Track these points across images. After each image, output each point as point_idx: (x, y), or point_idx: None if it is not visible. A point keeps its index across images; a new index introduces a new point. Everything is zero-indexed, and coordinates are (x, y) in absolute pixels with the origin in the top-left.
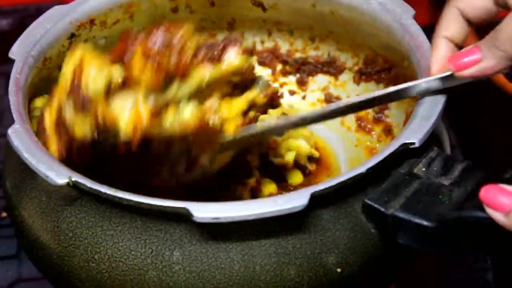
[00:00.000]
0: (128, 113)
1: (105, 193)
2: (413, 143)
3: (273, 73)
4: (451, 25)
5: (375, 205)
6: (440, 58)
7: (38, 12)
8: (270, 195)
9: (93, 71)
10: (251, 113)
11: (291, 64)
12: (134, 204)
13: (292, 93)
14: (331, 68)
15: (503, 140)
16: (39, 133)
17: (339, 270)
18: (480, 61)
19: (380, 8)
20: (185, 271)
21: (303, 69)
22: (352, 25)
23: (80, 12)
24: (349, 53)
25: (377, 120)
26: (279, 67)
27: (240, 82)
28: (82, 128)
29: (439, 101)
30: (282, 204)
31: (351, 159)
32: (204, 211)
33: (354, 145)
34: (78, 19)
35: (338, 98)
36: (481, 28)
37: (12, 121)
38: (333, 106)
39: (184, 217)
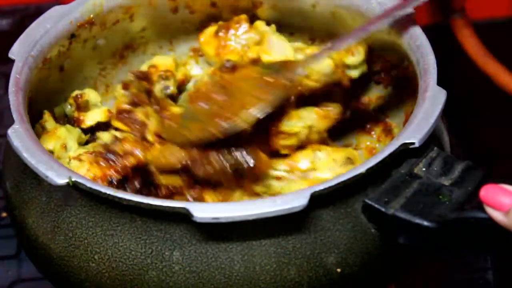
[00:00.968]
0: None
1: (105, 193)
2: (413, 143)
3: None
4: None
5: (376, 205)
6: None
7: (38, 12)
8: None
9: None
10: None
11: None
12: (134, 204)
13: None
14: None
15: (503, 140)
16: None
17: (339, 270)
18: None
19: (379, 8)
20: (185, 271)
21: None
22: (352, 26)
23: (80, 13)
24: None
25: (376, 120)
26: None
27: None
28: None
29: (440, 101)
30: (282, 204)
31: None
32: (204, 211)
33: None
34: (78, 19)
35: None
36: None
37: (12, 121)
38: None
39: (184, 217)
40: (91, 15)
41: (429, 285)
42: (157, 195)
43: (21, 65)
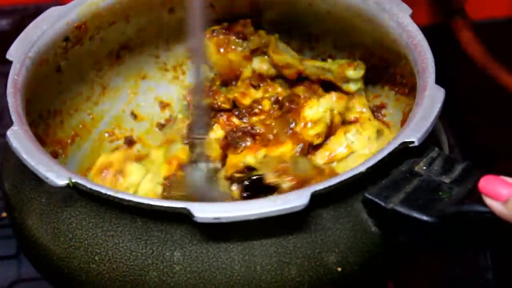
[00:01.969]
0: None
1: (105, 194)
2: (413, 142)
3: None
4: None
5: (375, 200)
6: None
7: (38, 12)
8: None
9: None
10: None
11: None
12: (135, 204)
13: None
14: None
15: (503, 140)
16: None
17: (339, 269)
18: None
19: (377, 7)
20: (186, 271)
21: None
22: (349, 24)
23: (76, 13)
24: (346, 52)
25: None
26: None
27: None
28: None
29: (438, 100)
30: (282, 204)
31: None
32: (205, 211)
33: None
34: (74, 20)
35: None
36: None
37: (11, 122)
38: None
39: (184, 217)
40: (88, 16)
41: (428, 283)
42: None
43: (18, 66)
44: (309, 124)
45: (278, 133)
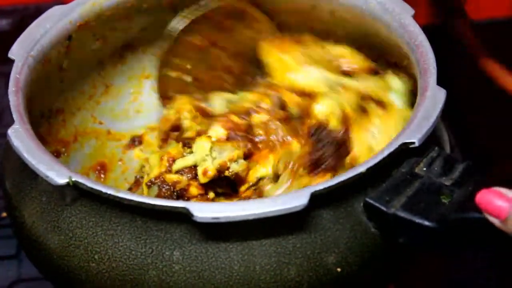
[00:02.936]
0: None
1: (105, 193)
2: (413, 143)
3: None
4: None
5: (377, 204)
6: None
7: (38, 12)
8: None
9: None
10: None
11: None
12: (135, 204)
13: None
14: None
15: (503, 140)
16: None
17: (339, 269)
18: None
19: (379, 7)
20: (185, 271)
21: None
22: (352, 25)
23: (79, 13)
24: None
25: None
26: None
27: None
28: None
29: (439, 100)
30: (282, 204)
31: None
32: (204, 211)
33: None
34: (77, 19)
35: None
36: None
37: (12, 121)
38: None
39: (184, 217)
40: (91, 15)
41: (428, 284)
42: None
43: (20, 65)
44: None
45: (284, 137)
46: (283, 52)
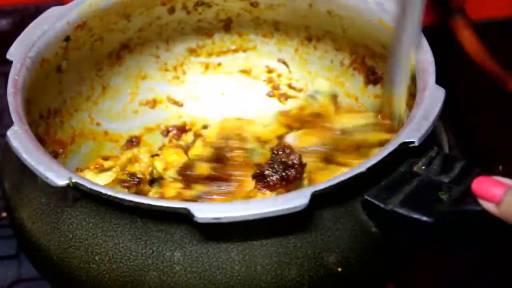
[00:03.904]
0: None
1: (105, 194)
2: (413, 142)
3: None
4: None
5: (375, 201)
6: None
7: (38, 12)
8: None
9: None
10: None
11: None
12: (135, 205)
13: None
14: None
15: (503, 140)
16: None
17: (339, 269)
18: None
19: (377, 7)
20: (186, 271)
21: None
22: (349, 25)
23: (77, 13)
24: (346, 52)
25: None
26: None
27: None
28: None
29: (438, 100)
30: (282, 204)
31: None
32: (205, 212)
33: None
34: (75, 20)
35: None
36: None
37: (11, 121)
38: None
39: (184, 217)
40: (89, 16)
41: (428, 283)
42: None
43: (19, 66)
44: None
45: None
46: None
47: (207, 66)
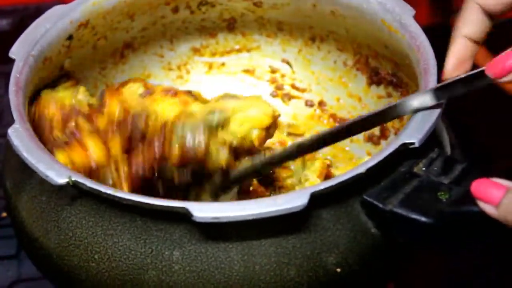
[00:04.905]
0: None
1: (105, 193)
2: (413, 143)
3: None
4: (471, 22)
5: (374, 201)
6: (459, 56)
7: (38, 12)
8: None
9: None
10: None
11: None
12: (134, 204)
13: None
14: None
15: (503, 140)
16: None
17: (339, 270)
18: None
19: (380, 7)
20: (185, 270)
21: None
22: (352, 25)
23: (80, 12)
24: (349, 52)
25: None
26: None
27: None
28: None
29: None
30: (281, 204)
31: None
32: (204, 211)
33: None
34: (78, 19)
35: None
36: None
37: (12, 121)
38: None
39: (184, 217)
40: (92, 15)
41: (428, 283)
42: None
43: (21, 65)
44: None
45: None
46: None
47: (210, 66)
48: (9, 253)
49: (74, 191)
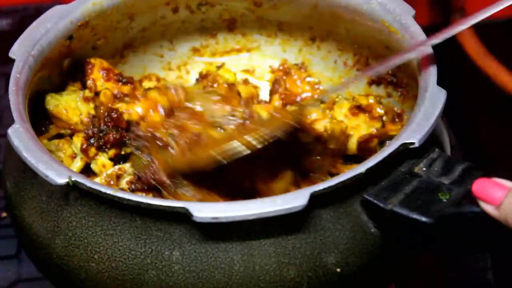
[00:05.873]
0: None
1: (105, 193)
2: (413, 143)
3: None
4: None
5: (374, 201)
6: None
7: (38, 12)
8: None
9: None
10: None
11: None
12: (134, 204)
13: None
14: None
15: (503, 140)
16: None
17: (338, 270)
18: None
19: (380, 8)
20: (185, 270)
21: None
22: (353, 25)
23: (80, 12)
24: (350, 53)
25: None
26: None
27: None
28: None
29: (440, 101)
30: (281, 204)
31: None
32: (204, 211)
33: None
34: (78, 19)
35: None
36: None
37: (12, 121)
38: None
39: (184, 217)
40: (92, 15)
41: (428, 284)
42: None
43: (21, 65)
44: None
45: None
46: None
47: (210, 66)
48: (9, 253)
49: (74, 191)
